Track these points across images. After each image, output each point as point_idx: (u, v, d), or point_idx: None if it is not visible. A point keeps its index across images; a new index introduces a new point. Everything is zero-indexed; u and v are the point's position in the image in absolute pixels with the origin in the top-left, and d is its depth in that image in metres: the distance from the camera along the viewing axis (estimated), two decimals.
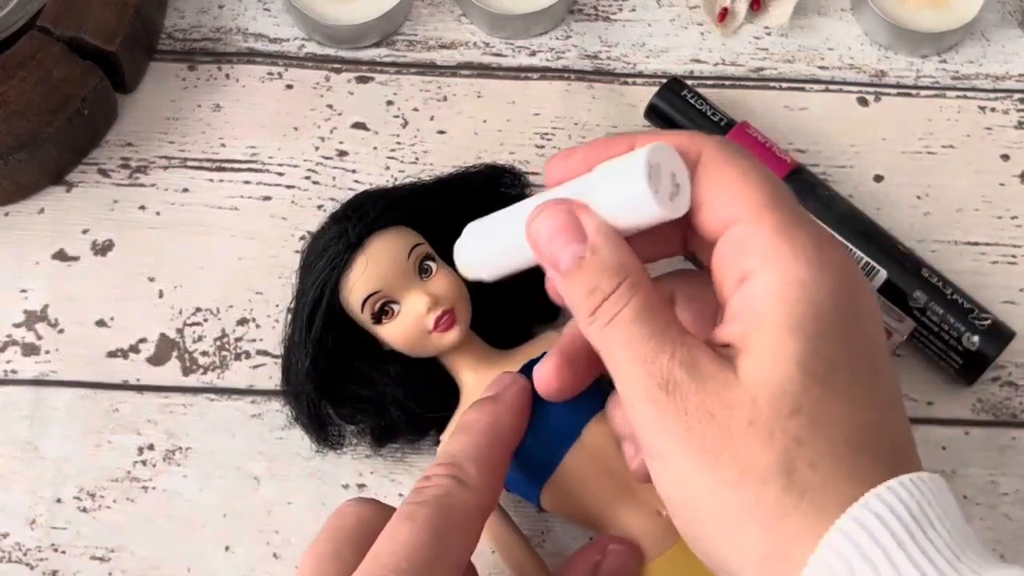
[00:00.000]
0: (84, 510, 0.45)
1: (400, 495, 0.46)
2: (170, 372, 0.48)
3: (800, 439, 0.29)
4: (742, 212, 0.32)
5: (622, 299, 0.32)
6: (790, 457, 0.29)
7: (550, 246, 0.34)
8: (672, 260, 0.38)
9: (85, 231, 0.50)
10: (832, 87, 0.53)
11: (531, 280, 0.38)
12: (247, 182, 0.51)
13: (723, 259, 0.33)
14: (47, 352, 0.48)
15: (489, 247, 0.37)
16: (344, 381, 0.44)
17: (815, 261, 0.31)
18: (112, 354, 0.48)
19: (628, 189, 0.32)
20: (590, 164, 0.35)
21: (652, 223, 0.33)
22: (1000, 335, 0.47)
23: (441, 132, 0.52)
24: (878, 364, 0.31)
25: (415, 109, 0.53)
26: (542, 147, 0.52)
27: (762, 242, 0.31)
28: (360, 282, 0.42)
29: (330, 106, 0.53)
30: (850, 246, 0.48)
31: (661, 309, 0.32)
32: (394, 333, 0.43)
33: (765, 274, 0.31)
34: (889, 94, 0.53)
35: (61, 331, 0.48)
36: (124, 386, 0.47)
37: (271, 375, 0.47)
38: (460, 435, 0.38)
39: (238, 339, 0.48)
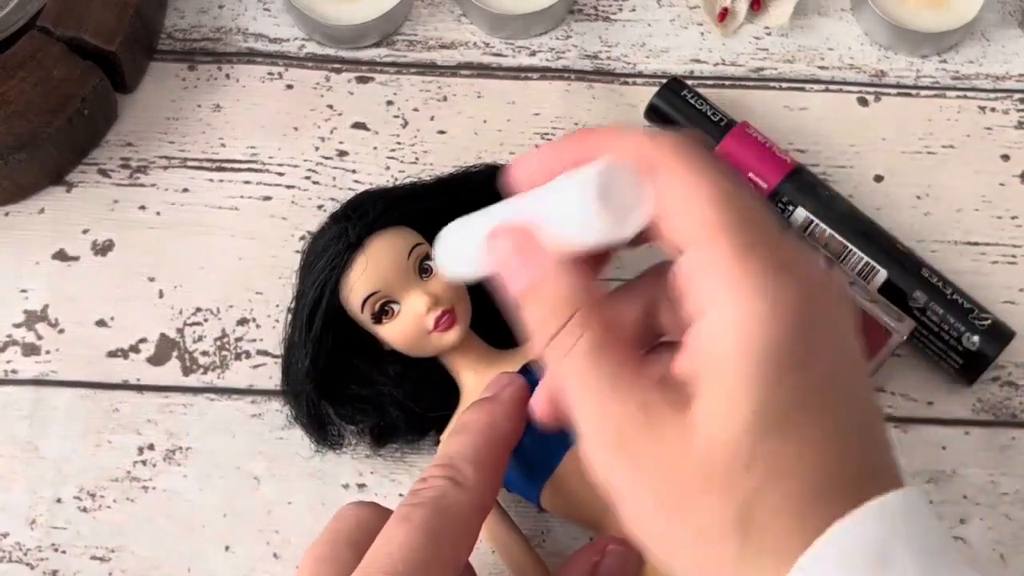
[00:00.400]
0: (84, 510, 0.45)
1: (400, 495, 0.46)
2: (170, 372, 0.48)
3: (756, 494, 0.29)
4: (697, 232, 0.31)
5: (573, 336, 0.31)
6: (746, 514, 0.29)
7: (505, 271, 0.33)
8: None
9: (85, 231, 0.50)
10: (832, 87, 0.53)
11: None
12: (247, 182, 0.51)
13: (681, 281, 0.31)
14: (47, 352, 0.48)
15: (464, 249, 0.37)
16: (344, 380, 0.44)
17: (764, 300, 0.29)
18: (112, 354, 0.48)
19: (579, 211, 0.31)
20: (549, 169, 0.33)
21: (609, 243, 0.32)
22: (1000, 335, 0.47)
23: (441, 132, 0.52)
24: (841, 394, 0.30)
25: (415, 109, 0.53)
26: None
27: (715, 272, 0.30)
28: (360, 282, 0.42)
29: (330, 106, 0.53)
30: (850, 246, 0.48)
31: (614, 348, 0.31)
32: (394, 333, 0.43)
33: (717, 312, 0.30)
34: (889, 94, 0.53)
35: (61, 331, 0.48)
36: (124, 386, 0.47)
37: (271, 375, 0.47)
38: (457, 436, 0.38)
39: (238, 339, 0.48)
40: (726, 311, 0.29)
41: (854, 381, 0.31)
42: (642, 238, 0.32)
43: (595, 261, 0.34)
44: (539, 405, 0.37)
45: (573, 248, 0.32)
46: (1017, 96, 0.53)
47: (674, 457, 0.29)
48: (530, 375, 0.42)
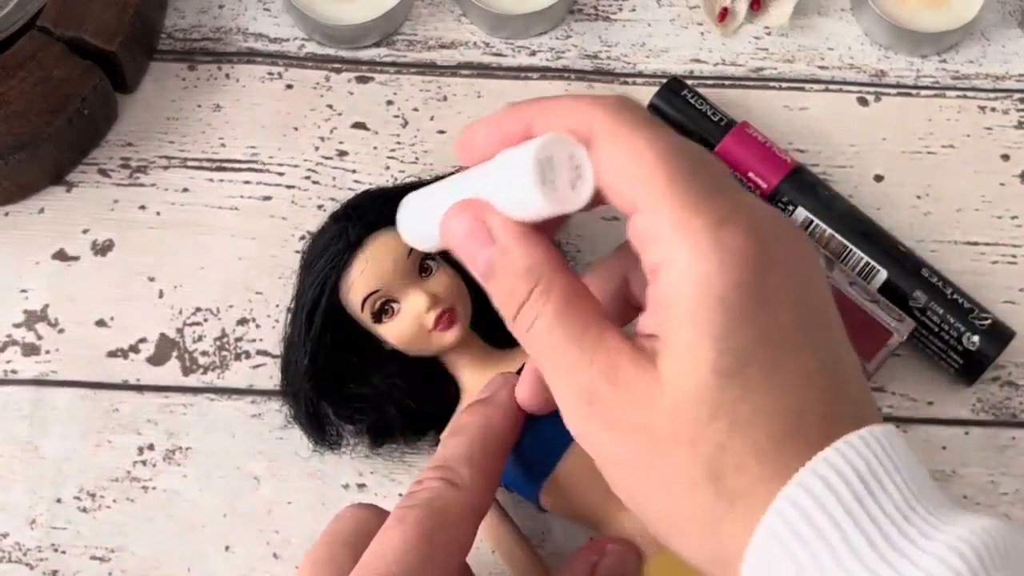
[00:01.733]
0: (84, 510, 0.45)
1: (400, 495, 0.45)
2: (170, 372, 0.48)
3: (723, 444, 0.29)
4: (640, 196, 0.30)
5: (537, 304, 0.32)
6: (716, 464, 0.29)
7: (464, 251, 0.33)
8: None
9: (85, 231, 0.50)
10: (832, 87, 0.53)
11: None
12: (247, 182, 0.51)
13: (637, 243, 0.31)
14: (47, 352, 0.48)
15: (425, 224, 0.37)
16: (343, 379, 0.44)
17: (714, 251, 0.29)
18: (112, 354, 0.48)
19: (520, 189, 0.31)
20: (492, 144, 0.34)
21: (556, 215, 0.32)
22: (1000, 335, 0.47)
23: (441, 132, 0.52)
24: (806, 336, 0.30)
25: (415, 109, 0.53)
26: None
27: (665, 230, 0.30)
28: (360, 281, 0.42)
29: (330, 106, 0.53)
30: (850, 246, 0.48)
31: (579, 310, 0.32)
32: (394, 332, 0.43)
33: (668, 272, 0.30)
34: (889, 94, 0.53)
35: (61, 331, 0.48)
36: (124, 386, 0.47)
37: (271, 375, 0.47)
38: (453, 438, 0.38)
39: (238, 339, 0.48)
40: (679, 266, 0.30)
41: (819, 322, 0.31)
42: (593, 203, 0.32)
43: (551, 224, 0.34)
44: (524, 396, 0.37)
45: (524, 221, 0.33)
46: (1017, 96, 0.53)
47: (642, 414, 0.30)
48: None
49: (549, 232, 0.35)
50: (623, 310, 0.35)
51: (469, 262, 0.33)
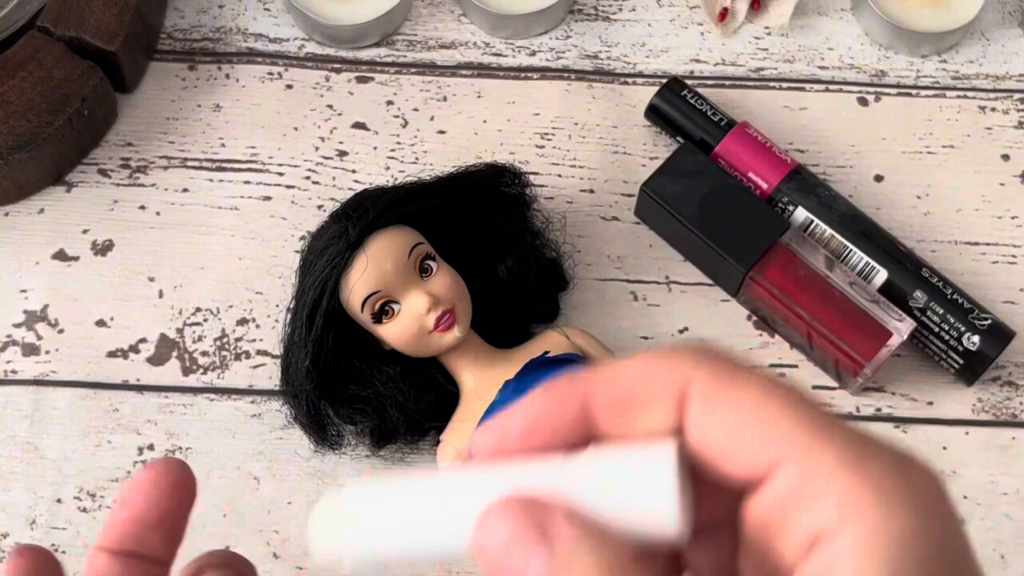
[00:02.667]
0: (84, 510, 0.45)
1: None
2: (170, 372, 0.48)
3: None
4: (784, 449, 0.24)
5: None
6: None
7: (507, 559, 0.24)
8: None
9: (85, 231, 0.50)
10: (832, 87, 0.53)
11: (531, 280, 0.38)
12: (247, 182, 0.51)
13: (774, 515, 0.25)
14: (47, 352, 0.48)
15: (399, 529, 0.25)
16: (344, 381, 0.44)
17: (907, 501, 0.24)
18: (112, 354, 0.48)
19: (647, 503, 0.24)
20: (536, 437, 0.25)
21: (668, 544, 0.24)
22: (1000, 335, 0.47)
23: (441, 132, 0.52)
24: None
25: (415, 109, 0.53)
26: (542, 147, 0.52)
27: (831, 486, 0.24)
28: (360, 282, 0.42)
29: (330, 106, 0.53)
30: (850, 246, 0.48)
31: None
32: (394, 333, 0.43)
33: (850, 532, 0.24)
34: (889, 94, 0.53)
35: (61, 331, 0.48)
36: (124, 386, 0.47)
37: (271, 375, 0.47)
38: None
39: (238, 339, 0.48)
40: (861, 532, 0.24)
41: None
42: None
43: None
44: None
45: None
46: (1017, 96, 0.53)
47: None
48: (530, 376, 0.42)
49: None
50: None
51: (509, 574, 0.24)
